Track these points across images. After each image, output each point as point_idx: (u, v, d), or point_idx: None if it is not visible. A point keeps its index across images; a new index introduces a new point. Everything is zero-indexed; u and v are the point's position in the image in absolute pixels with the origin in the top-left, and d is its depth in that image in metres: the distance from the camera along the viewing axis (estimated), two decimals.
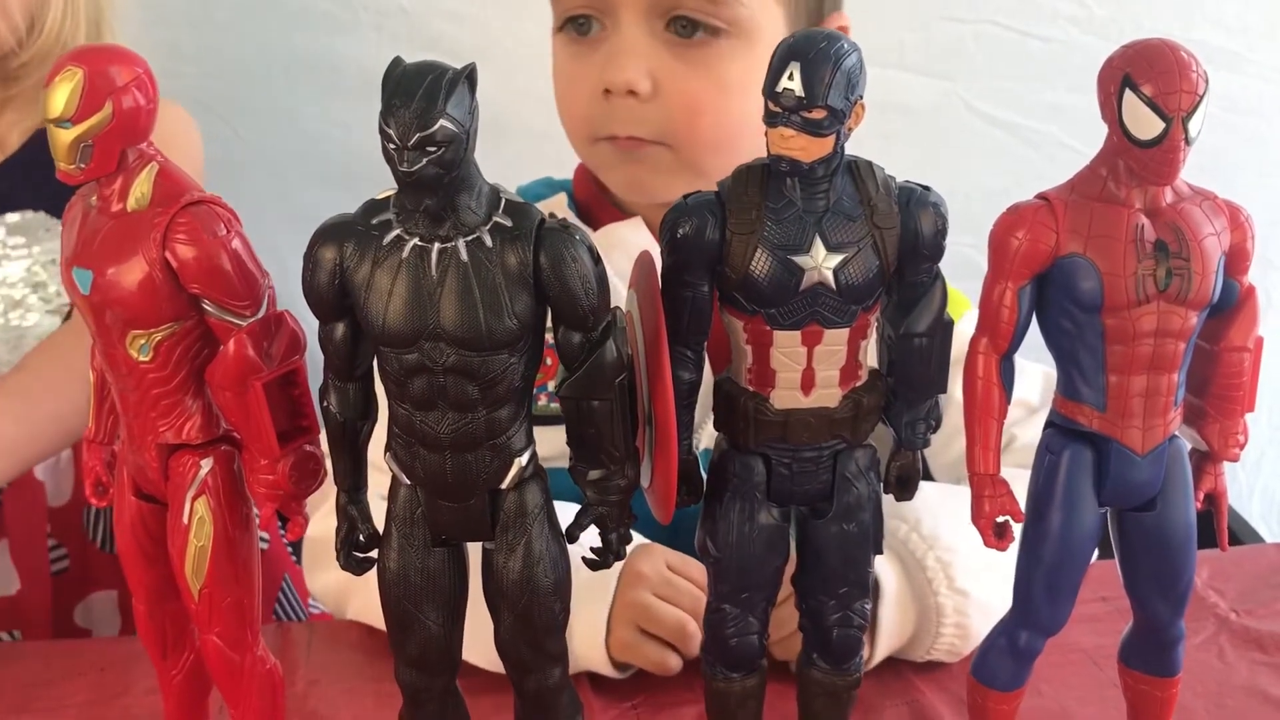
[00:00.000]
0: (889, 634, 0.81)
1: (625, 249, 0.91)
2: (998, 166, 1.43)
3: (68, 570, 1.04)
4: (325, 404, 0.61)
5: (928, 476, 0.94)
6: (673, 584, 0.80)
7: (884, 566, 0.81)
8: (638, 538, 0.85)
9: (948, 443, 0.87)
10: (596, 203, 0.97)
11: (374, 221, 0.57)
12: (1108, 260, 0.60)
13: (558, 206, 0.97)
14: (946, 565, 0.81)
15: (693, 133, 0.88)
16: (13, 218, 1.01)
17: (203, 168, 1.08)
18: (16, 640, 1.02)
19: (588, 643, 0.80)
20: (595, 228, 0.95)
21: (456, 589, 0.62)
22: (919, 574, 0.82)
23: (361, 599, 0.86)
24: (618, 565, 0.80)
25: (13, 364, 1.00)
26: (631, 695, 0.81)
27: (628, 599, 0.80)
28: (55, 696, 0.81)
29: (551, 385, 0.87)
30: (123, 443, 0.64)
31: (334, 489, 0.63)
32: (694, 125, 0.87)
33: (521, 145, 1.09)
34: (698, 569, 0.82)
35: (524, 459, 0.60)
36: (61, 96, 0.56)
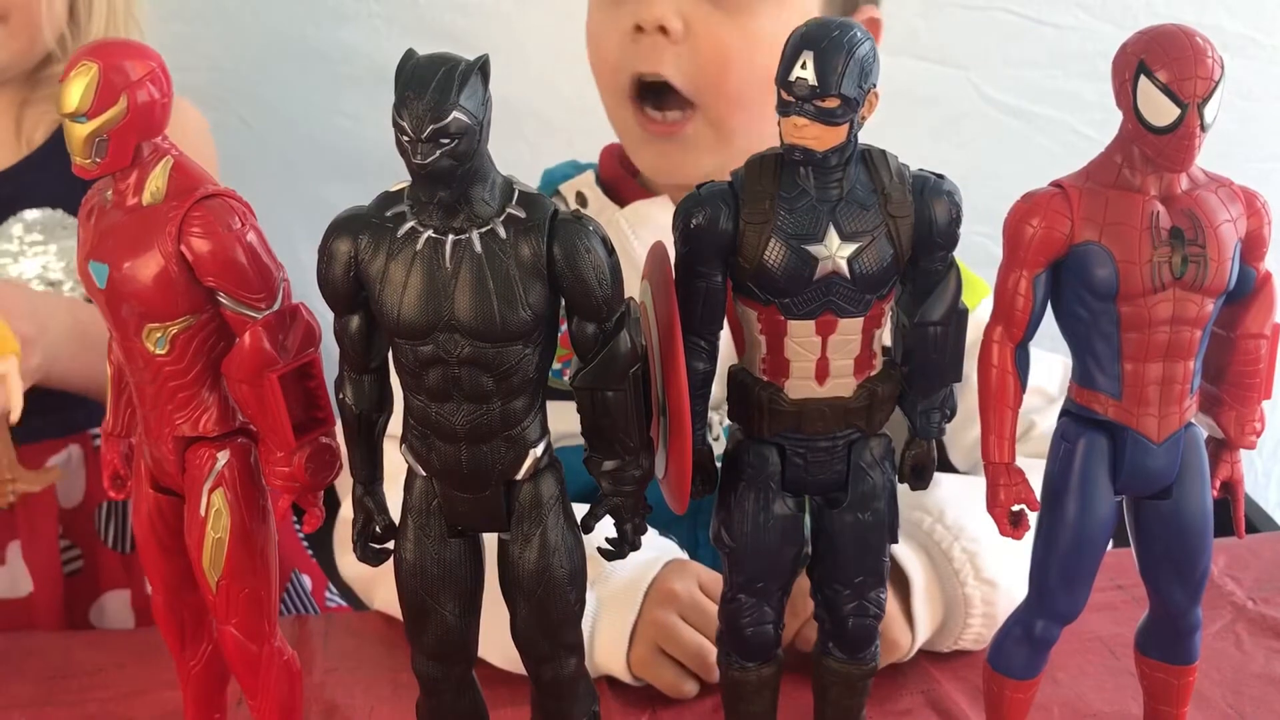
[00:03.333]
0: (921, 626, 0.81)
1: (652, 227, 0.91)
2: (1012, 154, 1.42)
3: (80, 571, 1.04)
4: (340, 396, 0.61)
5: (945, 461, 0.94)
6: (701, 609, 0.78)
7: (910, 559, 0.81)
8: (674, 550, 0.84)
9: (965, 427, 0.87)
10: (622, 181, 0.97)
11: (388, 214, 0.57)
12: (1123, 248, 0.59)
13: (585, 185, 0.96)
14: (973, 555, 0.81)
15: (721, 82, 0.87)
16: (32, 214, 1.01)
17: (216, 164, 1.08)
18: (42, 632, 1.02)
19: (609, 654, 0.79)
20: (622, 205, 0.94)
21: (473, 580, 0.63)
22: (945, 565, 0.81)
23: (386, 590, 0.86)
24: (648, 576, 0.80)
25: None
26: (649, 689, 0.81)
27: (653, 617, 0.78)
28: (77, 690, 0.82)
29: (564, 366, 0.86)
30: (140, 436, 0.64)
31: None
32: (722, 74, 0.87)
33: (534, 136, 1.09)
34: None
35: (539, 450, 0.60)
36: (77, 91, 0.56)
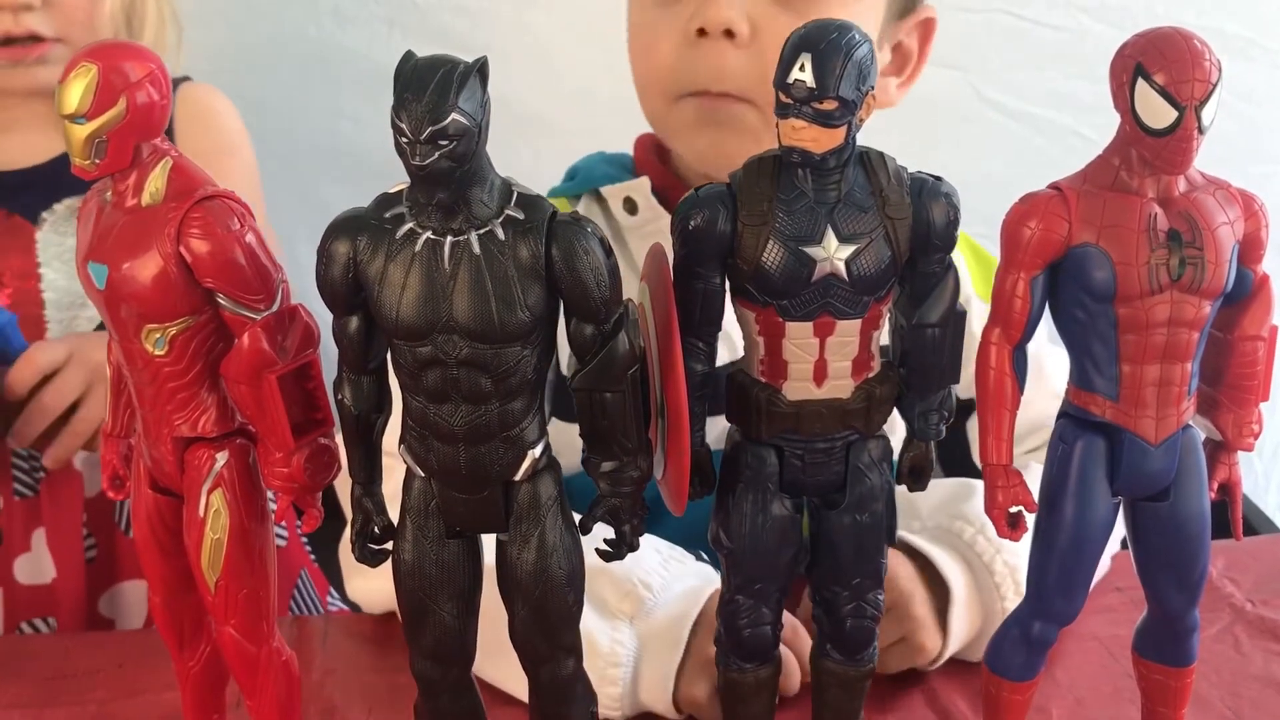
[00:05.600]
0: (956, 637, 0.80)
1: None
2: (1010, 156, 1.42)
3: (96, 559, 1.06)
4: (339, 397, 0.61)
5: (974, 470, 0.93)
6: None
7: (952, 569, 0.80)
8: (714, 578, 0.80)
9: None
10: (674, 191, 0.91)
11: (387, 215, 0.57)
12: (1120, 250, 0.60)
13: (637, 191, 0.90)
14: (1014, 570, 0.80)
15: None
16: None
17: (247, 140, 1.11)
18: (41, 633, 1.03)
19: (655, 694, 0.76)
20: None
21: (471, 580, 0.63)
22: (986, 578, 0.81)
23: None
24: (693, 611, 0.77)
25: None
26: None
27: (708, 655, 0.72)
28: (76, 691, 0.82)
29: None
30: (139, 436, 0.65)
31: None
32: None
33: (533, 138, 1.10)
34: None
35: (537, 451, 0.60)
36: (76, 92, 0.56)
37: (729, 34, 0.81)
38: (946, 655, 0.81)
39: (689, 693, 0.76)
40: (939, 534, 0.83)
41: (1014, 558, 0.80)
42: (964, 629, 0.80)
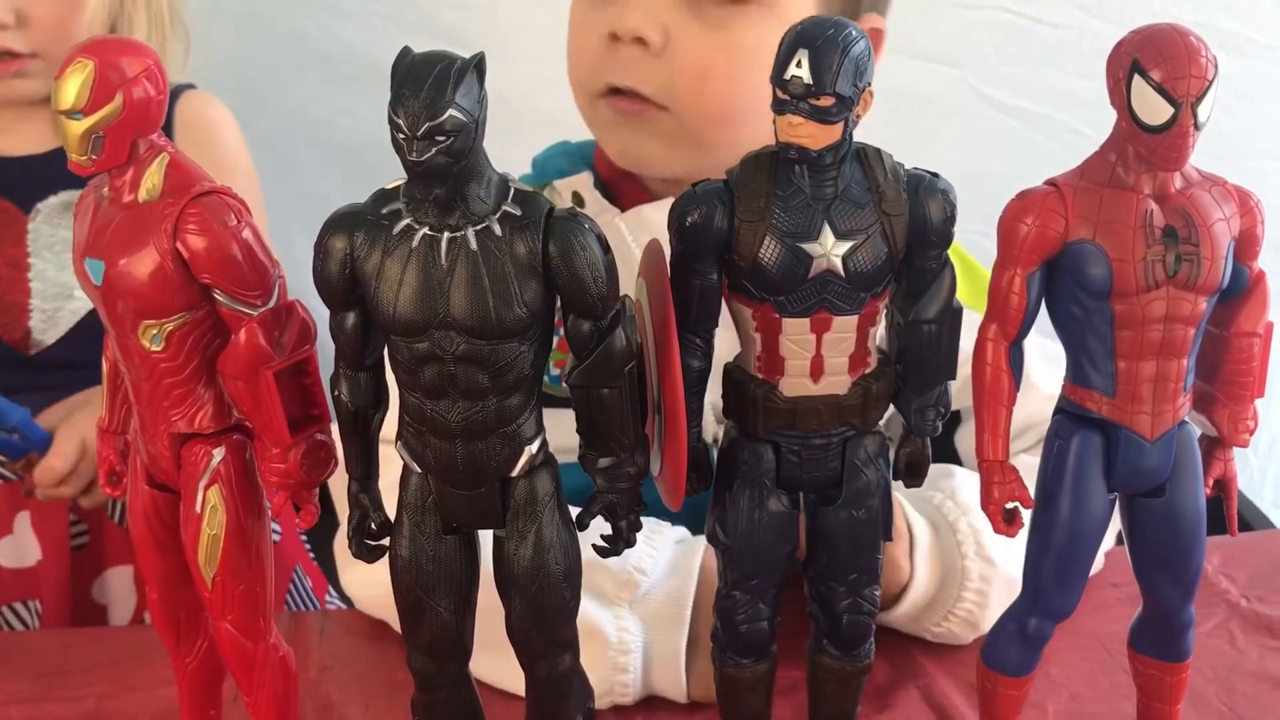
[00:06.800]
0: (918, 582, 0.81)
1: (654, 232, 0.89)
2: (1007, 153, 1.42)
3: (86, 546, 1.06)
4: (336, 393, 0.61)
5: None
6: None
7: (917, 522, 0.82)
8: (697, 545, 0.81)
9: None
10: (621, 183, 0.93)
11: (384, 211, 0.57)
12: (1117, 246, 0.60)
13: (582, 185, 0.92)
14: (978, 532, 0.81)
15: (697, 97, 0.84)
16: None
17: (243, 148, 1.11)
18: (38, 629, 1.03)
19: (667, 678, 0.77)
20: (623, 208, 0.91)
21: (467, 576, 0.63)
22: (949, 535, 0.82)
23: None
24: (689, 589, 0.78)
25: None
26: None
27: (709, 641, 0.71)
28: (73, 687, 0.82)
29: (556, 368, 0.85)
30: (135, 432, 0.65)
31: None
32: (700, 89, 0.83)
33: (531, 134, 1.09)
34: None
35: (534, 447, 0.60)
36: (73, 88, 0.56)
37: (642, 41, 0.83)
38: (908, 600, 0.81)
39: (704, 684, 0.76)
40: (911, 500, 0.84)
41: (980, 521, 0.80)
42: (924, 577, 0.81)
